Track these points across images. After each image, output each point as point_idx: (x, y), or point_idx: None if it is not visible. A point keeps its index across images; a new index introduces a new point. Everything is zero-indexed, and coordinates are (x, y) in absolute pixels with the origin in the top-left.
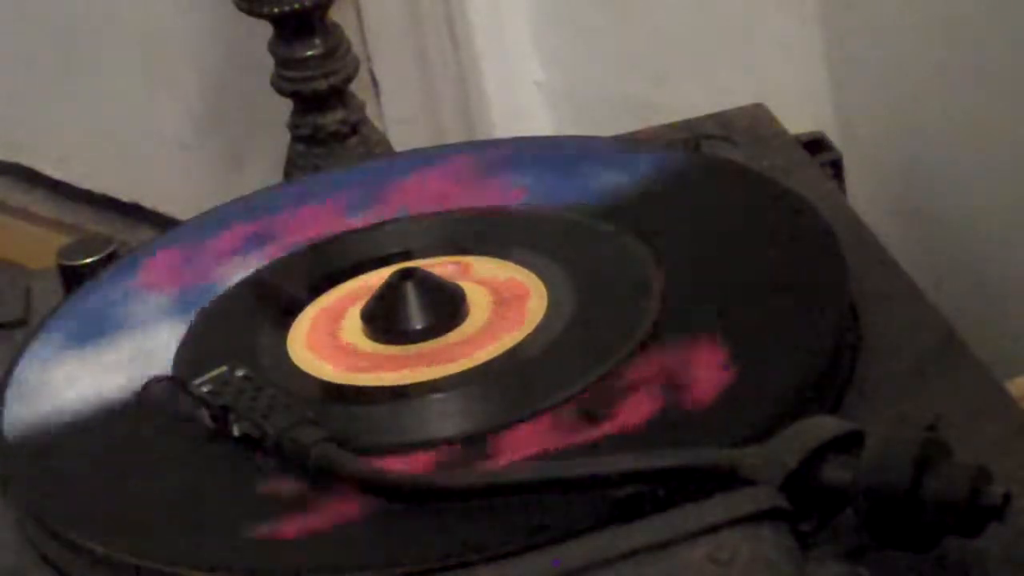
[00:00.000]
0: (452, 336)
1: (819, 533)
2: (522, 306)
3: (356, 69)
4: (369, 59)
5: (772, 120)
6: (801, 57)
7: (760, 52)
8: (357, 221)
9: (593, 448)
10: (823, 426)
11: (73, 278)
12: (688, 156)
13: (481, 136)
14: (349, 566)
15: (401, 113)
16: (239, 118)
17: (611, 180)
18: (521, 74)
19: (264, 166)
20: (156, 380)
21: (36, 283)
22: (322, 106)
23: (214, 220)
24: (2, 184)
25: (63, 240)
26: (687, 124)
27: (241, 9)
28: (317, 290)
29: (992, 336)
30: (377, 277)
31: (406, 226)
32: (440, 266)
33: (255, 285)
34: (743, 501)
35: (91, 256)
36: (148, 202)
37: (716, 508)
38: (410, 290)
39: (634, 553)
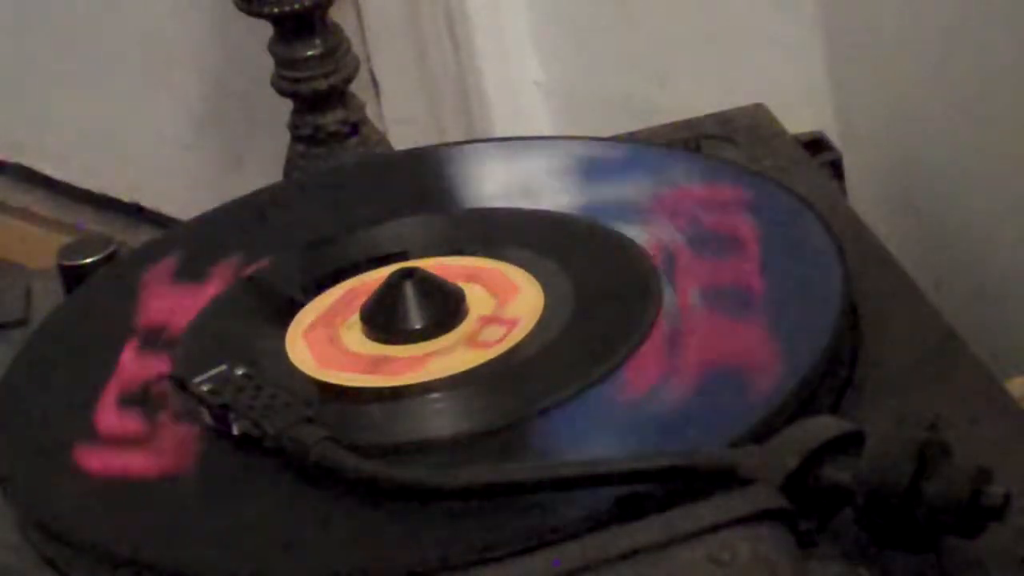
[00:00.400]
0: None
1: (819, 533)
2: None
3: (356, 69)
4: (369, 59)
5: (772, 120)
6: (801, 57)
7: (760, 52)
8: None
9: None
10: (823, 426)
11: (73, 278)
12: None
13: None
14: (349, 569)
15: (401, 113)
16: (239, 118)
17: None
18: (521, 74)
19: (264, 166)
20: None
21: (36, 283)
22: (322, 106)
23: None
24: (2, 184)
25: (63, 240)
26: (687, 124)
27: (241, 9)
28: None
29: (992, 336)
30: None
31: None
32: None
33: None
34: (743, 501)
35: (91, 256)
36: (148, 202)
37: (716, 508)
38: (410, 290)
39: (634, 553)
